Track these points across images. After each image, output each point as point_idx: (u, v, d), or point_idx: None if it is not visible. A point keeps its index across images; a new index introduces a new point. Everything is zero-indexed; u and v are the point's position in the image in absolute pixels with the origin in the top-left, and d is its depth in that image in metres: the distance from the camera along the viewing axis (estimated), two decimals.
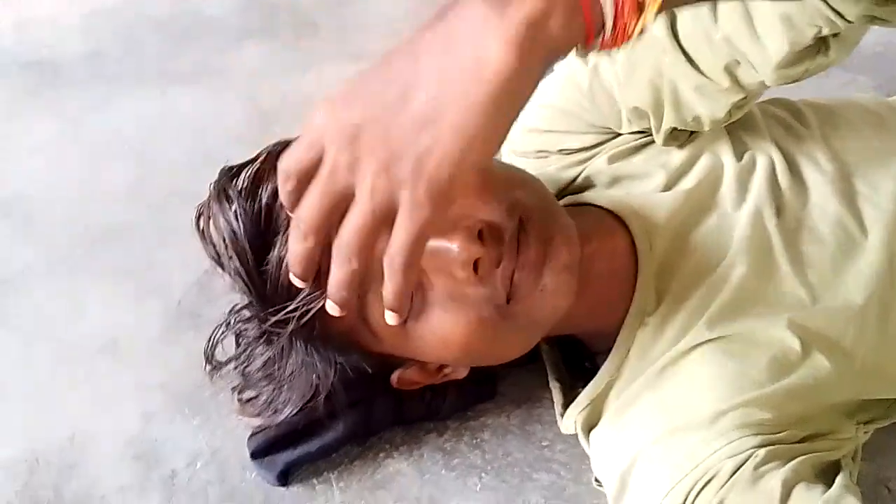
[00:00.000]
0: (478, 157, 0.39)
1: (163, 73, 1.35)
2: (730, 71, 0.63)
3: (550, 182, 0.73)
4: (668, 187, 0.71)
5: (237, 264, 0.58)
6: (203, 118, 1.23)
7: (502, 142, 0.40)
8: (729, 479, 0.54)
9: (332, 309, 0.45)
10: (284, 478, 0.67)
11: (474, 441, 0.73)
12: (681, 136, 0.72)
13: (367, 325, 0.58)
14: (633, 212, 0.68)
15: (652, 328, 0.65)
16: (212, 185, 0.62)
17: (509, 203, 0.57)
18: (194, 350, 0.79)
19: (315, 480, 0.68)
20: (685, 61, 0.64)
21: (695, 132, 0.72)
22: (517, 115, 0.39)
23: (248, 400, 0.65)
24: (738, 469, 0.54)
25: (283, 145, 0.60)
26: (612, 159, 0.73)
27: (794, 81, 0.63)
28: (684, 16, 0.63)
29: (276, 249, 0.57)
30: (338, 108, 0.41)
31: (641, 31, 0.39)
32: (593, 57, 0.63)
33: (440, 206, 0.40)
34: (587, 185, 0.74)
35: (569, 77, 0.71)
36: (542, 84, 0.66)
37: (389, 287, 0.43)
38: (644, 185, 0.72)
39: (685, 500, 0.55)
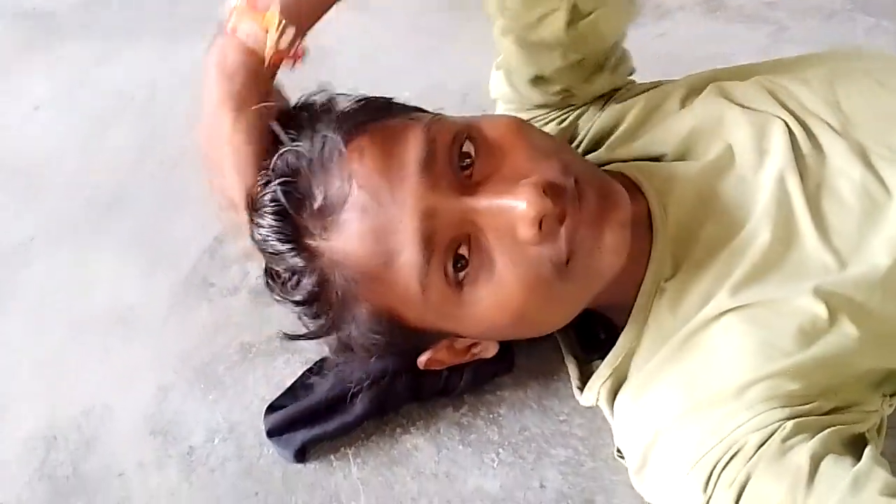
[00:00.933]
0: None
1: (162, 24, 1.31)
2: None
3: None
4: (679, 158, 0.70)
5: None
6: (201, 71, 1.19)
7: None
8: (755, 453, 0.53)
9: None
10: (302, 455, 0.67)
11: (491, 416, 0.72)
12: (599, 73, 0.74)
13: (425, 292, 0.55)
14: (647, 178, 0.68)
15: (670, 295, 0.64)
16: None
17: (562, 163, 0.57)
18: (208, 322, 0.79)
19: (333, 457, 0.68)
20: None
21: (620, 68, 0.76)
22: None
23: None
24: (765, 442, 0.53)
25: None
26: (611, 148, 0.72)
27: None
28: None
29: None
30: None
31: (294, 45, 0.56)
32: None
33: None
34: None
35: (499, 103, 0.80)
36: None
37: None
38: (653, 161, 0.71)
39: (710, 474, 0.55)
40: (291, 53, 0.56)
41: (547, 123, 0.78)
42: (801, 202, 0.64)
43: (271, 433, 0.67)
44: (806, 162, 0.66)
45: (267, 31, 0.54)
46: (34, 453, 0.67)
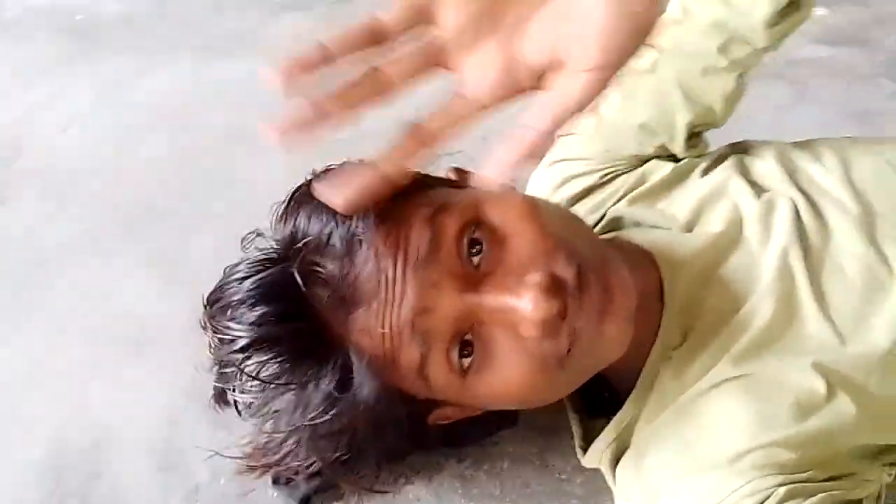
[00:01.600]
0: None
1: (198, 42, 1.34)
2: (724, 50, 0.70)
3: None
4: (688, 229, 0.71)
5: None
6: (237, 92, 1.21)
7: None
8: None
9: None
10: (306, 502, 0.68)
11: (493, 470, 0.73)
12: (698, 144, 0.77)
13: (426, 381, 0.56)
14: (659, 249, 0.69)
15: (676, 363, 0.65)
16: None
17: (567, 250, 0.56)
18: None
19: None
20: (685, 56, 0.72)
21: (704, 142, 0.78)
22: None
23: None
24: None
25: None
26: (632, 201, 0.73)
27: (784, 37, 0.70)
28: (670, 25, 0.72)
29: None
30: None
31: None
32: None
33: None
34: (613, 227, 0.74)
35: (579, 135, 0.79)
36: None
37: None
38: (665, 229, 0.72)
39: None
40: None
41: (592, 173, 0.78)
42: (804, 278, 0.65)
43: (276, 480, 0.68)
44: (810, 239, 0.67)
45: None
46: (44, 482, 0.69)
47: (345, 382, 0.55)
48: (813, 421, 0.59)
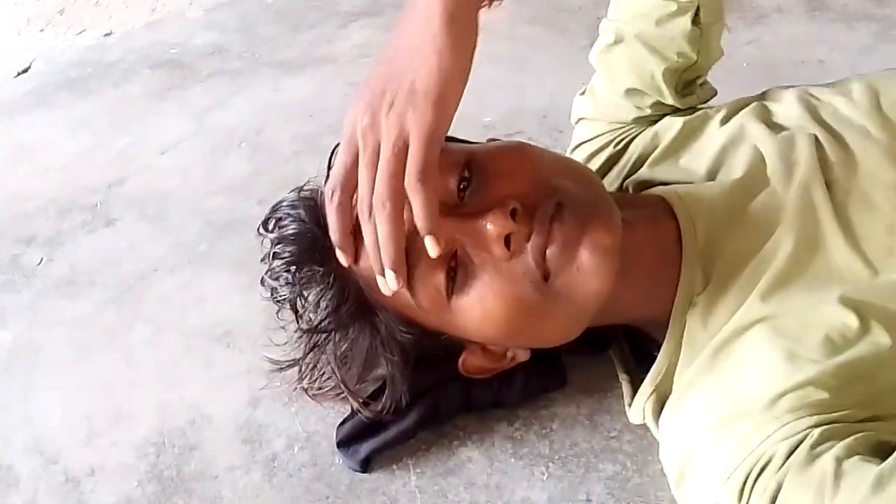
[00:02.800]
0: (449, 65, 0.53)
1: (276, 62, 1.45)
2: None
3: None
4: (711, 178, 0.73)
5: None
6: (310, 106, 1.31)
7: (469, 53, 0.55)
8: (784, 462, 0.54)
9: (391, 280, 0.57)
10: (366, 464, 0.74)
11: (543, 431, 0.77)
12: (694, 91, 0.82)
13: (417, 302, 0.63)
14: (679, 198, 0.71)
15: (701, 308, 0.66)
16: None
17: (550, 187, 0.61)
18: (290, 330, 0.89)
19: (394, 466, 0.75)
20: (633, 17, 0.77)
21: (704, 88, 0.83)
22: (470, 36, 0.55)
23: (323, 385, 0.73)
24: (794, 451, 0.54)
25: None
26: (653, 164, 0.76)
27: None
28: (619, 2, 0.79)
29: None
30: (354, 101, 0.56)
31: None
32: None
33: (439, 109, 0.53)
34: (640, 190, 0.76)
35: (581, 114, 0.86)
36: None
37: (417, 205, 0.54)
38: (687, 182, 0.74)
39: (743, 487, 0.56)
40: None
41: (608, 144, 0.83)
42: (828, 210, 0.65)
43: (340, 444, 0.75)
44: (834, 171, 0.67)
45: None
46: (146, 458, 0.79)
47: (342, 295, 0.64)
48: (846, 355, 0.58)
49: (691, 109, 0.82)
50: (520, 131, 1.15)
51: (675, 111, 0.81)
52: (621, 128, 0.83)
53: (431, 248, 0.55)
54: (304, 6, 1.62)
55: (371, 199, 0.54)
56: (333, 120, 1.25)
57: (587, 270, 0.60)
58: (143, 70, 1.45)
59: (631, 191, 0.78)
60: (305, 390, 0.76)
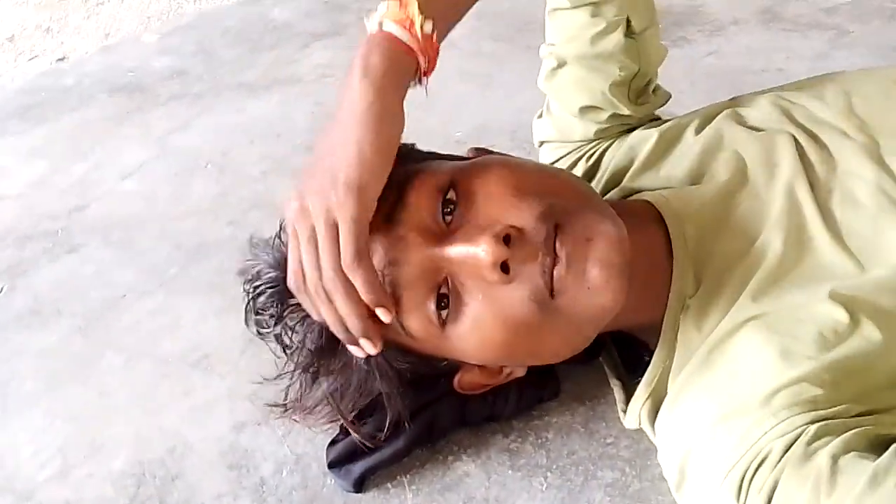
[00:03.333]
0: (372, 155, 0.56)
1: (238, 84, 1.42)
2: (596, 14, 0.77)
3: None
4: (693, 183, 0.73)
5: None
6: (277, 126, 1.29)
7: (390, 143, 0.57)
8: (780, 459, 0.54)
9: (368, 347, 0.58)
10: (360, 485, 0.72)
11: (539, 441, 0.76)
12: (649, 98, 0.84)
13: (408, 333, 0.61)
14: (666, 200, 0.70)
15: (694, 311, 0.66)
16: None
17: (542, 208, 0.60)
18: (279, 361, 0.86)
19: (389, 485, 0.73)
20: (568, 39, 0.79)
21: (658, 94, 0.85)
22: (393, 127, 0.58)
23: (313, 408, 0.70)
24: (790, 447, 0.54)
25: None
26: (633, 177, 0.76)
27: None
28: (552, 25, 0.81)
29: None
30: (291, 191, 0.59)
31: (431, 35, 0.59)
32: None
33: (360, 198, 0.55)
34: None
35: (543, 137, 0.88)
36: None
37: (359, 287, 0.56)
38: (671, 188, 0.74)
39: (741, 483, 0.56)
40: (432, 47, 0.60)
41: (579, 160, 0.82)
42: (812, 209, 0.65)
43: (332, 465, 0.73)
44: (815, 170, 0.68)
45: (411, 23, 0.58)
46: (125, 490, 0.75)
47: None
48: (839, 351, 0.58)
49: (656, 119, 0.83)
50: (492, 145, 1.14)
51: (637, 120, 0.82)
52: (586, 144, 0.83)
53: (384, 317, 0.58)
54: (262, 29, 1.60)
55: (321, 282, 0.57)
56: (301, 140, 1.24)
57: (597, 287, 0.59)
58: (101, 94, 1.41)
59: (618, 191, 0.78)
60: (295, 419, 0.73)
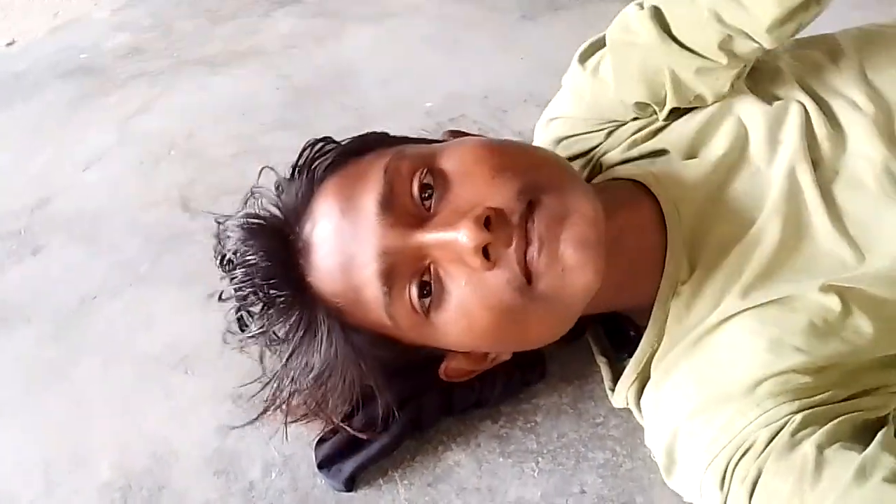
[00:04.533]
0: None
1: (198, 59, 1.37)
2: (725, 47, 0.65)
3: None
4: (690, 156, 0.70)
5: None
6: (241, 104, 1.25)
7: None
8: (765, 448, 0.54)
9: None
10: (351, 483, 0.71)
11: (528, 425, 0.75)
12: (684, 113, 0.73)
13: (394, 322, 0.60)
14: (658, 181, 0.68)
15: (686, 297, 0.64)
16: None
17: (519, 186, 0.58)
18: (260, 357, 0.84)
19: (381, 480, 0.72)
20: (680, 49, 0.67)
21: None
22: None
23: (297, 405, 0.68)
24: (774, 437, 0.54)
25: None
26: (633, 145, 0.73)
27: (791, 37, 0.65)
28: (671, 8, 0.67)
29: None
30: None
31: None
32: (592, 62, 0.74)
33: None
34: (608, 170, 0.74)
35: (572, 89, 0.77)
36: (554, 100, 0.78)
37: None
38: (667, 159, 0.71)
39: (724, 472, 0.56)
40: None
41: (591, 133, 0.78)
42: (814, 194, 0.63)
43: (321, 465, 0.72)
44: (821, 148, 0.65)
45: None
46: (113, 503, 0.74)
47: (310, 321, 0.61)
48: (828, 342, 0.58)
49: None
50: (462, 115, 1.11)
51: None
52: (612, 120, 0.77)
53: None
54: None
55: None
56: (268, 118, 1.20)
57: (572, 268, 0.57)
58: (54, 80, 1.35)
59: (602, 171, 0.75)
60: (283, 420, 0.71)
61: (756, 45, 0.65)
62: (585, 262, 0.57)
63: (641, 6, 0.70)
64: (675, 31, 0.67)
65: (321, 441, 0.73)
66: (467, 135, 0.70)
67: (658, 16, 0.68)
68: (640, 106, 0.73)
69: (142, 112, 1.26)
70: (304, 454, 0.75)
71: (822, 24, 0.68)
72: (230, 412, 0.79)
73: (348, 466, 0.71)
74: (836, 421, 0.54)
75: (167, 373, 0.85)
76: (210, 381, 0.83)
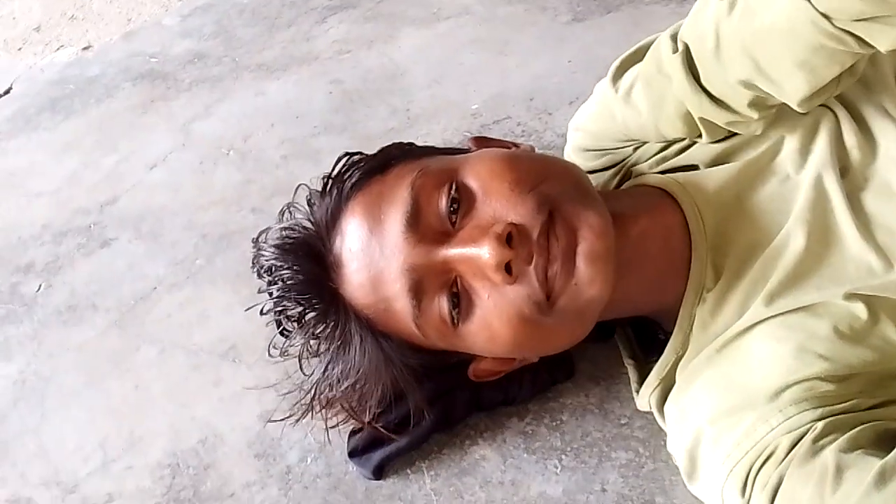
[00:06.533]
0: None
1: (256, 65, 1.43)
2: (755, 105, 0.64)
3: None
4: (718, 162, 0.70)
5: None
6: (295, 108, 1.30)
7: None
8: (787, 455, 0.55)
9: None
10: (380, 472, 0.75)
11: (554, 423, 0.77)
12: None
13: (421, 331, 0.63)
14: (681, 187, 0.69)
15: (711, 304, 0.65)
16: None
17: (538, 199, 0.60)
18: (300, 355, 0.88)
19: (409, 470, 0.76)
20: (710, 102, 0.65)
21: None
22: None
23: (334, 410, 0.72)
24: (796, 444, 0.55)
25: None
26: (662, 160, 0.74)
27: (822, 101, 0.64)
28: (701, 60, 0.64)
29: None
30: None
31: None
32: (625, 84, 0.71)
33: None
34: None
35: (602, 105, 0.75)
36: (580, 110, 0.79)
37: None
38: (690, 167, 0.72)
39: (746, 478, 0.57)
40: None
41: (616, 150, 0.79)
42: (841, 201, 0.63)
43: (353, 453, 0.76)
44: (850, 157, 0.65)
45: None
46: (162, 481, 0.79)
47: (344, 331, 0.64)
48: (854, 350, 0.58)
49: None
50: (507, 117, 1.14)
51: None
52: (637, 139, 0.76)
53: None
54: (278, 4, 1.59)
55: None
56: (319, 121, 1.25)
57: (586, 283, 0.60)
58: (125, 84, 1.44)
59: (632, 179, 0.75)
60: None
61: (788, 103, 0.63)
62: (595, 276, 0.60)
63: (675, 43, 0.66)
64: (704, 83, 0.64)
65: (354, 431, 0.77)
66: (490, 141, 0.72)
67: (689, 61, 0.65)
68: (671, 137, 0.72)
69: (203, 115, 1.33)
70: (339, 442, 0.79)
71: None
72: (273, 401, 0.84)
73: (377, 456, 0.75)
74: (858, 428, 0.54)
75: (217, 362, 0.91)
76: (256, 371, 0.88)
